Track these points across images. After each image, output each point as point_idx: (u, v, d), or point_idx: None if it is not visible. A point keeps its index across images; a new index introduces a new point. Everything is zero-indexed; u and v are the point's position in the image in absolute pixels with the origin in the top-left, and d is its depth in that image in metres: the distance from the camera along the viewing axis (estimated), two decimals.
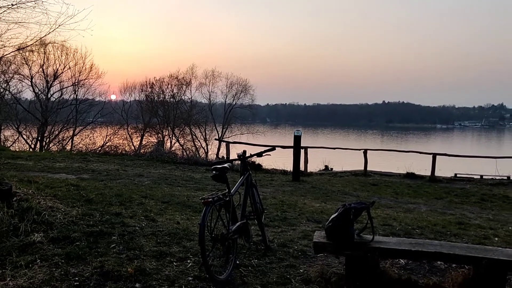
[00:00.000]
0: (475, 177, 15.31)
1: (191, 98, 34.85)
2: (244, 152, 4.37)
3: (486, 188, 12.42)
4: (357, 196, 9.15)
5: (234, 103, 39.84)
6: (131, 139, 28.78)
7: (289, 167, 12.33)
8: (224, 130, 37.70)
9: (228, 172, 3.74)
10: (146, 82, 31.56)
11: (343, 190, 10.11)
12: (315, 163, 16.01)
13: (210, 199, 3.41)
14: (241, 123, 41.83)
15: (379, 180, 13.17)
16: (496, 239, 5.24)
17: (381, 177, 14.24)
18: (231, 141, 17.75)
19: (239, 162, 4.30)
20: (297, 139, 11.24)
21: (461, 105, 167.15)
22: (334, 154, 17.83)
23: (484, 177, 15.35)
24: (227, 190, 3.74)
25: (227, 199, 3.67)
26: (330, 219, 3.79)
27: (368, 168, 14.97)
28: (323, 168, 15.84)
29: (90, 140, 23.62)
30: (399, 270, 3.99)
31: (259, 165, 13.28)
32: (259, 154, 4.40)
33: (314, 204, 7.15)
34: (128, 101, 32.26)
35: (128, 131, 29.05)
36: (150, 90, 31.26)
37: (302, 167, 13.63)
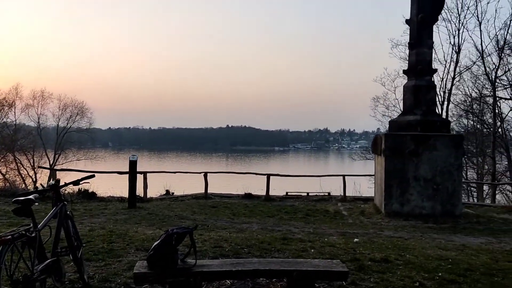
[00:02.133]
0: (303, 194, 16.96)
1: (16, 121, 30.96)
2: (58, 180, 3.98)
3: (311, 204, 13.85)
4: (194, 219, 9.16)
5: (69, 126, 36.66)
6: None
7: (127, 193, 11.72)
8: (57, 156, 34.26)
9: (35, 205, 3.33)
10: None
11: (181, 214, 10.03)
12: (156, 188, 15.60)
13: (9, 236, 3.01)
14: (78, 148, 38.82)
15: (219, 202, 13.51)
16: (312, 250, 5.80)
17: (221, 199, 14.65)
18: (58, 168, 16.14)
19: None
20: (133, 164, 10.80)
21: (295, 129, 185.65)
22: (177, 178, 17.69)
23: (310, 194, 17.11)
24: (32, 225, 3.33)
25: (32, 235, 3.27)
26: (152, 247, 3.67)
27: (210, 191, 15.23)
28: (164, 192, 15.52)
29: None
30: None
31: (93, 193, 12.29)
32: (76, 182, 4.04)
33: (147, 231, 6.87)
34: None
35: None
36: None
37: (142, 193, 13.13)
